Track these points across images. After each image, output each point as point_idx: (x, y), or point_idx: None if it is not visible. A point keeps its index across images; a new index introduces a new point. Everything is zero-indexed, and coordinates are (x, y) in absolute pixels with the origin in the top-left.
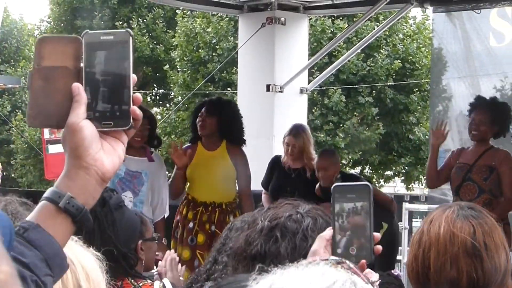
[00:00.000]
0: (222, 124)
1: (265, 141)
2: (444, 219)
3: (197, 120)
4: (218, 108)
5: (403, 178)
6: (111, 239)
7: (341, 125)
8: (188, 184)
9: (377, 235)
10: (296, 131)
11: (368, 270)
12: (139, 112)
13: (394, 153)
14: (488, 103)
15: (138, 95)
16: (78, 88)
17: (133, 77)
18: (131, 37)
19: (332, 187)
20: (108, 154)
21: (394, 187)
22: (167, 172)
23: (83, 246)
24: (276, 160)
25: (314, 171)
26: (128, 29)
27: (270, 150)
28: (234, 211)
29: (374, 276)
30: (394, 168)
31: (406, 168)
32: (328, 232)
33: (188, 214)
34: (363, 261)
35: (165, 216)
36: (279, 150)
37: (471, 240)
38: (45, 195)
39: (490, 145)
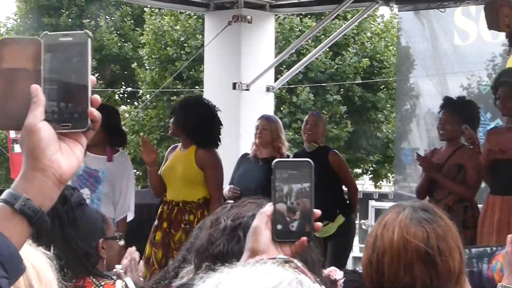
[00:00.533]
0: (186, 125)
1: (231, 140)
2: (398, 224)
3: None
4: (178, 107)
5: (371, 176)
6: (72, 237)
7: None
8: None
9: (317, 211)
10: (269, 116)
11: (332, 268)
12: (97, 114)
13: (362, 151)
14: (454, 103)
15: (97, 96)
16: (37, 89)
17: (92, 79)
18: (89, 39)
19: (272, 163)
20: (66, 156)
21: (362, 184)
22: (135, 170)
23: (33, 245)
24: (243, 155)
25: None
26: (87, 31)
27: (236, 149)
28: (194, 211)
29: (339, 274)
30: (362, 166)
31: (374, 166)
32: (269, 208)
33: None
34: (304, 238)
35: (130, 218)
36: (246, 148)
37: (424, 246)
38: (1, 196)
39: (461, 143)
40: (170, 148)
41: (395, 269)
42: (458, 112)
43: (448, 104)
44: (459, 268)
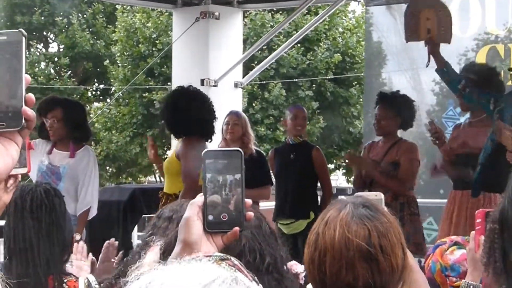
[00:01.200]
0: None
1: None
2: (339, 222)
3: None
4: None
5: (344, 171)
6: (62, 229)
7: (281, 118)
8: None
9: (249, 201)
10: (238, 112)
11: (293, 262)
12: (31, 113)
13: (335, 146)
14: (387, 97)
15: (31, 95)
16: None
17: (26, 78)
18: (24, 37)
19: (202, 153)
20: (0, 155)
21: (335, 180)
22: (108, 167)
23: None
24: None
25: (250, 153)
26: (21, 30)
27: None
28: None
29: (300, 267)
30: (335, 161)
31: (346, 161)
32: (200, 198)
33: None
34: (236, 228)
35: (92, 215)
36: (213, 145)
37: (365, 245)
38: None
39: (398, 138)
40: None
41: (337, 268)
42: (392, 106)
43: (382, 99)
44: (402, 265)
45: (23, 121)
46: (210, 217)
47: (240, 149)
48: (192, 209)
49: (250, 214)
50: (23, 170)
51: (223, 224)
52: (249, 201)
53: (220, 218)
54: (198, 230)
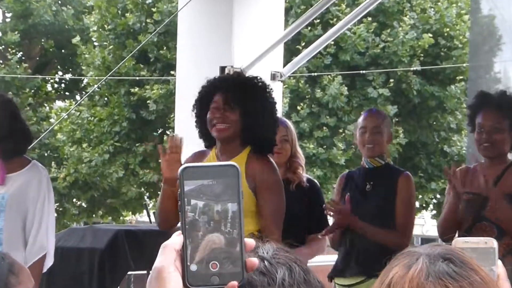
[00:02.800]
0: (246, 120)
1: None
2: (408, 285)
3: (209, 114)
4: (242, 91)
5: (434, 212)
6: None
7: (340, 130)
8: None
9: (250, 242)
10: (284, 120)
11: None
12: None
13: (421, 173)
14: (496, 100)
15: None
16: None
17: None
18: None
19: (179, 170)
20: None
21: (421, 225)
22: (75, 200)
23: None
24: None
25: (300, 182)
26: (235, 164)
27: None
28: None
29: None
30: (421, 196)
31: (439, 197)
32: (177, 239)
33: None
34: (233, 283)
35: (48, 264)
36: None
37: None
38: None
39: (510, 160)
40: (192, 155)
41: None
42: (505, 113)
43: (490, 102)
44: None
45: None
46: (194, 267)
47: (235, 164)
48: (167, 256)
49: (254, 261)
50: None
51: (213, 277)
52: (250, 243)
53: (208, 268)
54: (176, 286)
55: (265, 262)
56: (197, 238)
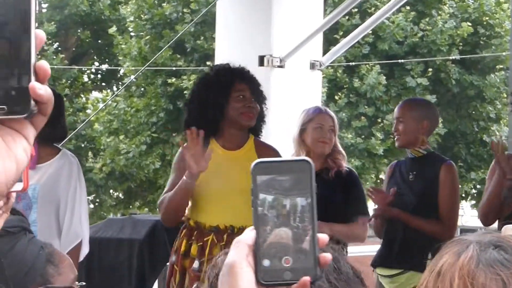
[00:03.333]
0: (260, 113)
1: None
2: (458, 273)
3: (237, 102)
4: (258, 85)
5: (473, 202)
6: None
7: (378, 119)
8: (190, 203)
9: (323, 237)
10: (327, 110)
11: None
12: (44, 91)
13: (460, 163)
14: None
15: (44, 64)
16: None
17: (38, 35)
18: None
19: (252, 165)
20: None
21: (460, 216)
22: (112, 191)
23: None
24: None
25: (338, 169)
26: None
27: None
28: None
29: None
30: (460, 186)
31: (479, 187)
32: (250, 234)
33: (192, 249)
34: (305, 278)
35: (84, 253)
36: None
37: None
38: None
39: None
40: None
41: None
42: None
43: None
44: None
45: (32, 103)
46: (266, 263)
47: (308, 159)
48: (239, 251)
49: (327, 256)
50: (18, 187)
51: (285, 272)
52: (324, 238)
53: (281, 263)
54: (248, 282)
55: None
56: (265, 232)
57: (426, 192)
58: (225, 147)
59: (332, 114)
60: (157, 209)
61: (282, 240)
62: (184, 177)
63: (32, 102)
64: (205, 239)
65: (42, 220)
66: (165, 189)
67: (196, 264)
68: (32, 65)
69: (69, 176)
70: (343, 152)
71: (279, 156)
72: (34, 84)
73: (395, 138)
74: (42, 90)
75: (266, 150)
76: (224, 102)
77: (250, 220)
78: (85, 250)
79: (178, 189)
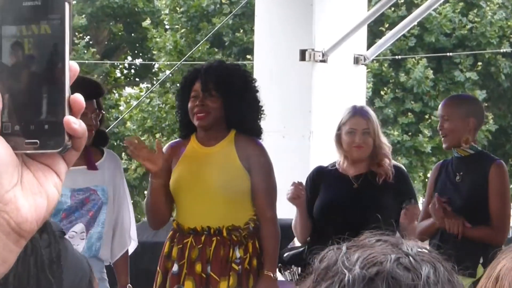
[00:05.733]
0: (228, 105)
1: (298, 138)
2: None
3: (189, 103)
4: (221, 80)
5: None
6: (50, 285)
7: (426, 116)
8: (175, 204)
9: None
10: (365, 110)
11: None
12: (78, 126)
13: (511, 161)
14: None
15: (78, 97)
16: None
17: (73, 67)
18: (67, 4)
19: None
20: (29, 193)
21: None
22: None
23: None
24: (319, 172)
25: (386, 177)
26: None
27: (305, 152)
28: (245, 242)
29: None
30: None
31: None
32: None
33: (172, 251)
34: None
35: (133, 248)
36: (320, 152)
37: None
38: None
39: None
40: (171, 146)
41: None
42: None
43: None
44: None
45: (66, 138)
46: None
47: None
48: None
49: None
50: None
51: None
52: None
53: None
54: None
55: (410, 258)
56: None
57: (474, 194)
58: (203, 144)
59: (369, 114)
60: None
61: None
62: (149, 178)
63: (66, 137)
64: (184, 241)
65: (108, 222)
66: None
67: (175, 268)
68: (67, 98)
69: (120, 175)
70: (388, 153)
71: (260, 150)
72: (69, 119)
73: (442, 139)
74: (77, 124)
75: (246, 142)
76: (186, 105)
77: (228, 220)
78: (133, 246)
79: (148, 191)
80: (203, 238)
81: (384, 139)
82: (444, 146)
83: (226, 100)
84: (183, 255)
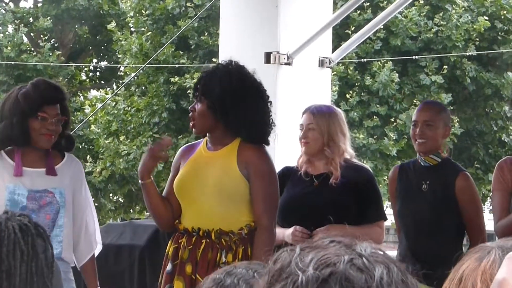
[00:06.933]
0: (214, 109)
1: None
2: (481, 278)
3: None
4: (207, 83)
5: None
6: None
7: (391, 119)
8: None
9: None
10: (319, 108)
11: None
12: None
13: (477, 165)
14: None
15: None
16: None
17: None
18: None
19: None
20: None
21: None
22: (112, 194)
23: None
24: (285, 172)
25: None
26: None
27: (271, 154)
28: (234, 247)
29: None
30: (483, 187)
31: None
32: None
33: (169, 251)
34: None
35: (98, 250)
36: (284, 154)
37: None
38: None
39: None
40: (182, 149)
41: None
42: None
43: None
44: None
45: None
46: None
47: None
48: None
49: None
50: None
51: None
52: None
53: None
54: None
55: (363, 259)
56: None
57: (442, 204)
58: (209, 149)
59: (322, 112)
60: None
61: None
62: (139, 181)
63: None
64: (179, 241)
65: (67, 225)
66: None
67: (169, 267)
68: None
69: (80, 178)
70: (338, 153)
71: (261, 158)
72: None
73: (419, 142)
74: None
75: (248, 150)
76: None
77: (218, 224)
78: (98, 248)
79: (144, 194)
80: (193, 239)
81: (342, 139)
82: (420, 150)
83: (212, 104)
84: (177, 255)
